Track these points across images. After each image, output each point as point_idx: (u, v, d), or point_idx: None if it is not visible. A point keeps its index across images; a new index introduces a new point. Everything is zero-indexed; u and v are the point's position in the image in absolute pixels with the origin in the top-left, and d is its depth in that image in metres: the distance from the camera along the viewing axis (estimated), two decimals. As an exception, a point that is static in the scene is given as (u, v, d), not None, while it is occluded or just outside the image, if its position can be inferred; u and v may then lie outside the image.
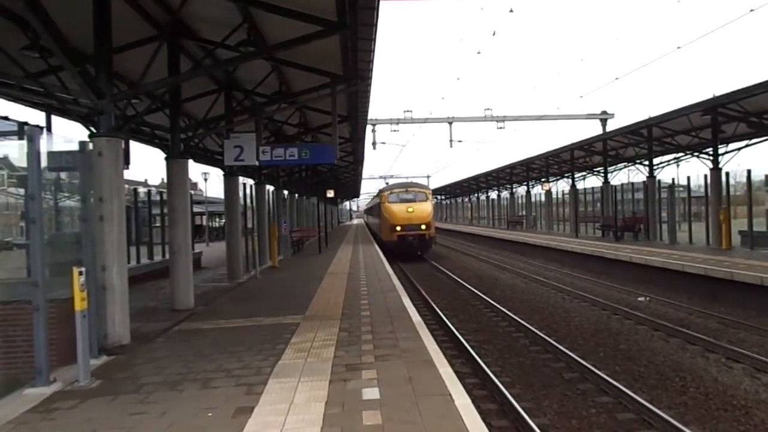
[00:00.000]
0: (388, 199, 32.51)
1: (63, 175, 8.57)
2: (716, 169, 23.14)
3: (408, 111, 42.61)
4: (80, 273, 6.59)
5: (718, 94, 19.15)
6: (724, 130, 22.22)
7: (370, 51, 10.36)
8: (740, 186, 27.49)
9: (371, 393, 5.80)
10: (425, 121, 42.47)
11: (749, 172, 22.52)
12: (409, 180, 53.50)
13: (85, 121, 9.29)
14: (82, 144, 7.79)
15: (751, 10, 14.64)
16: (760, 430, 7.20)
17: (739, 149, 23.34)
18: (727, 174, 23.22)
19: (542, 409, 7.95)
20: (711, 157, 23.34)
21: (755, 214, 22.55)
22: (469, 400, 5.53)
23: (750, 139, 22.79)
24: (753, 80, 18.45)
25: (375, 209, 43.30)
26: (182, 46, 11.28)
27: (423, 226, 30.81)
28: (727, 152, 23.36)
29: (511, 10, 20.08)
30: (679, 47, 24.71)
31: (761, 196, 22.03)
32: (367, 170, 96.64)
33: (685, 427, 6.83)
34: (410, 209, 31.06)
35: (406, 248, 30.45)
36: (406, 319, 9.69)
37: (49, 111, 13.22)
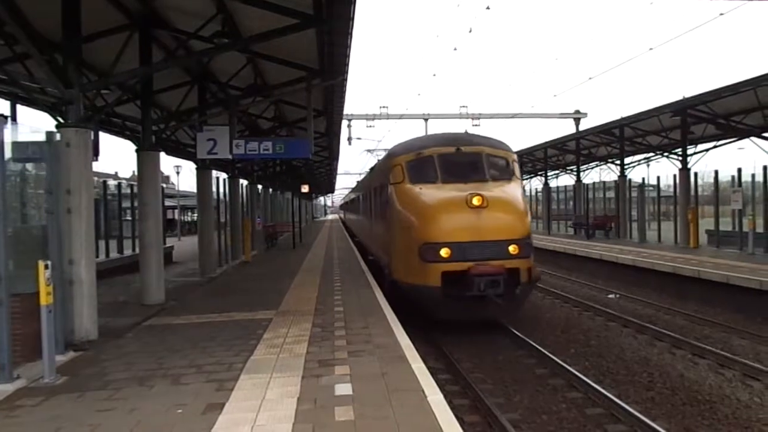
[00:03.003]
0: (408, 175, 12.14)
1: (29, 166, 8.34)
2: (685, 170, 23.63)
3: (384, 107, 42.58)
4: (46, 267, 6.43)
5: (687, 95, 19.54)
6: (693, 132, 22.71)
7: (346, 45, 10.29)
8: (708, 186, 28.17)
9: (344, 389, 5.78)
10: (401, 117, 42.46)
11: (716, 172, 23.09)
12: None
13: (52, 111, 9.06)
14: (49, 134, 7.58)
15: (721, 14, 15.01)
16: (724, 424, 7.37)
17: (707, 150, 23.91)
18: (696, 174, 23.79)
19: (513, 404, 8.01)
20: (680, 158, 23.82)
21: (722, 213, 23.11)
22: (441, 396, 5.55)
23: (718, 140, 23.35)
24: (721, 83, 18.88)
25: (368, 201, 19.23)
26: (154, 36, 11.08)
27: (511, 248, 10.97)
28: (695, 153, 23.89)
29: (488, 8, 20.14)
30: (651, 49, 25.09)
31: (728, 197, 22.57)
32: (342, 166, 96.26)
33: (652, 422, 6.96)
34: (476, 200, 10.85)
35: (466, 311, 10.97)
36: (379, 315, 9.68)
37: (14, 100, 12.92)
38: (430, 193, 11.51)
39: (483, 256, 10.64)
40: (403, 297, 11.49)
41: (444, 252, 10.72)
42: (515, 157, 12.84)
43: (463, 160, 12.04)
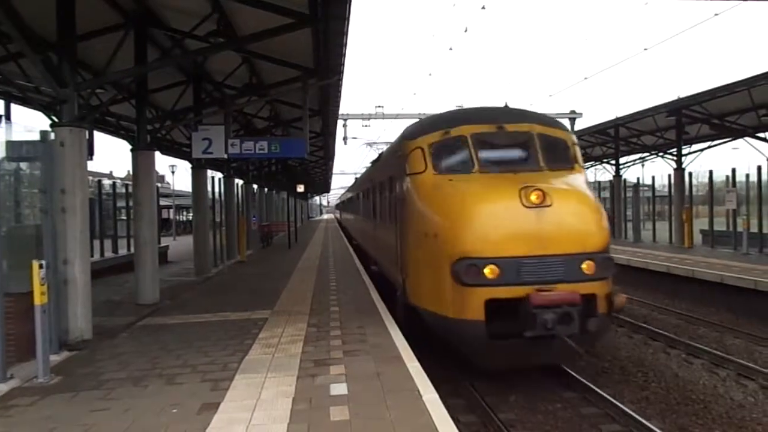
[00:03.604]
0: (432, 162, 8.93)
1: (23, 165, 8.31)
2: (680, 170, 23.71)
3: (379, 106, 42.44)
4: (41, 266, 6.41)
5: (682, 95, 19.60)
6: (687, 131, 22.78)
7: (341, 45, 10.28)
8: (702, 186, 28.28)
9: (339, 388, 5.78)
10: (396, 116, 42.35)
11: (711, 172, 23.21)
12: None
13: (47, 110, 9.03)
14: (44, 134, 7.57)
15: (716, 14, 15.07)
16: (718, 423, 7.41)
17: (701, 150, 24.02)
18: (690, 174, 23.84)
19: (509, 404, 8.02)
20: (675, 158, 23.90)
21: (716, 213, 23.20)
22: (436, 395, 5.55)
23: (712, 140, 23.44)
24: (716, 83, 18.97)
25: (371, 198, 16.25)
26: (150, 35, 11.04)
27: (585, 265, 7.75)
28: (690, 153, 23.99)
29: (483, 7, 20.08)
30: (645, 49, 25.25)
31: (722, 197, 22.68)
32: (337, 166, 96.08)
33: (647, 422, 6.98)
34: (534, 196, 7.73)
35: (523, 357, 8.01)
36: (375, 315, 9.67)
37: (9, 99, 12.85)
38: (466, 186, 8.31)
39: (547, 277, 7.56)
40: (426, 330, 8.63)
41: (489, 271, 7.55)
42: (575, 138, 9.58)
43: (507, 141, 9.00)
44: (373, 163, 17.61)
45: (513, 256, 7.56)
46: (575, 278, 7.61)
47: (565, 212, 7.81)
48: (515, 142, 8.98)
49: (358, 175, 34.34)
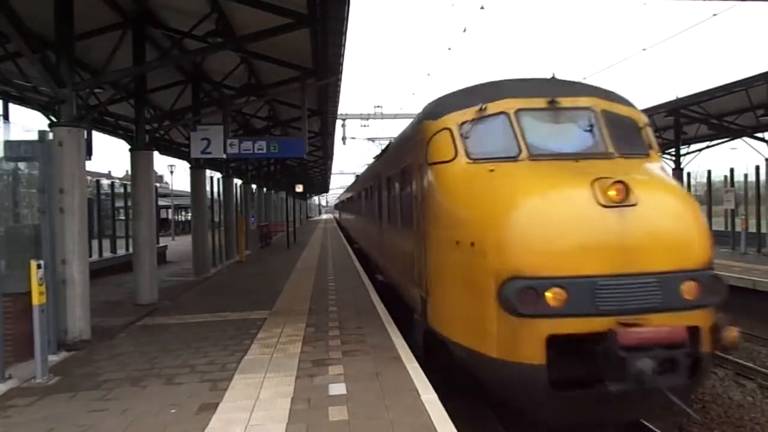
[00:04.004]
0: (464, 147, 6.71)
1: (22, 165, 8.30)
2: (678, 169, 23.70)
3: (378, 106, 42.48)
4: (39, 266, 6.39)
5: (681, 96, 19.60)
6: (686, 131, 22.81)
7: (340, 45, 10.29)
8: (701, 186, 28.31)
9: (338, 389, 5.78)
10: (395, 116, 42.36)
11: (709, 172, 23.24)
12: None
13: (45, 110, 9.03)
14: (42, 133, 7.55)
15: (714, 15, 15.04)
16: (717, 424, 7.42)
17: (700, 150, 24.03)
18: (689, 174, 23.85)
19: (506, 404, 8.01)
20: (673, 158, 23.91)
21: (714, 213, 23.23)
22: (435, 395, 5.55)
23: (711, 140, 23.45)
24: (714, 83, 18.99)
25: (377, 196, 13.70)
26: (148, 34, 11.04)
27: (685, 287, 5.54)
28: (689, 153, 24.00)
29: (482, 7, 20.04)
30: (644, 49, 25.21)
31: (720, 196, 22.71)
32: (336, 166, 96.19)
33: (645, 422, 6.99)
34: (613, 192, 5.55)
35: (602, 412, 5.65)
36: (374, 315, 9.67)
37: (6, 99, 12.85)
38: (515, 177, 6.23)
39: (634, 304, 5.47)
40: (453, 363, 6.73)
41: (552, 296, 5.46)
42: (646, 118, 7.50)
43: (562, 119, 6.93)
44: (378, 157, 15.36)
45: (586, 276, 5.49)
46: (673, 306, 5.54)
47: (657, 213, 5.74)
48: (573, 121, 6.92)
49: (358, 174, 31.63)
